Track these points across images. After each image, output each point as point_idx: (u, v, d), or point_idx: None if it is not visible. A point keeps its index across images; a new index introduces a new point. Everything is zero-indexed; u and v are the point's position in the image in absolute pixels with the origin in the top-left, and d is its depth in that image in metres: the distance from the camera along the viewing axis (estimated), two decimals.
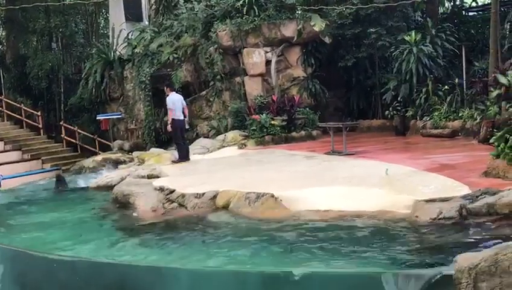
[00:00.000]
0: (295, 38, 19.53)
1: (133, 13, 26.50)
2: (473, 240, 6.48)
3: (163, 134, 20.97)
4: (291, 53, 20.12)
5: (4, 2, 29.46)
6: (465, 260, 5.12)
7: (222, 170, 12.72)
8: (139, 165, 15.58)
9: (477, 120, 14.64)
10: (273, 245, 7.07)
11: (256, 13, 19.43)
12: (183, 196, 9.83)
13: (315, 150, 15.04)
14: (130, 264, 6.97)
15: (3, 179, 19.41)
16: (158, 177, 12.19)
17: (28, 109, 25.98)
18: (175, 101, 14.54)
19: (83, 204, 11.59)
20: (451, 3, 21.89)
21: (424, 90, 17.16)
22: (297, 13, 19.96)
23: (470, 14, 21.86)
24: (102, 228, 9.32)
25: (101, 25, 35.54)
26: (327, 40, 19.56)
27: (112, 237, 8.57)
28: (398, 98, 17.93)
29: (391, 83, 18.30)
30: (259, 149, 16.58)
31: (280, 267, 6.30)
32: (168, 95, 14.72)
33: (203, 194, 9.65)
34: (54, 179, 15.67)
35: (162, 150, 17.98)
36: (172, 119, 14.41)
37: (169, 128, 14.74)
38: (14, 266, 8.18)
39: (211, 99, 20.43)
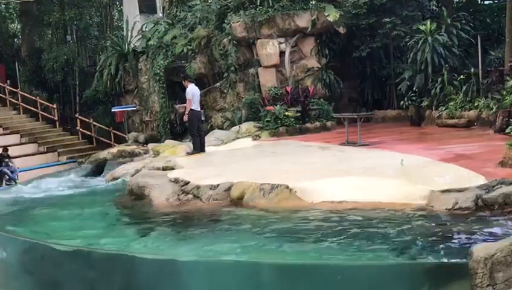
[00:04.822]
0: (309, 29, 19.48)
1: (147, 5, 26.56)
2: (488, 230, 6.45)
3: (178, 126, 21.07)
4: (306, 44, 20.08)
5: None
6: (481, 250, 5.09)
7: (236, 162, 12.74)
8: (154, 157, 15.66)
9: (493, 110, 14.52)
10: (290, 236, 7.07)
11: (270, 4, 19.42)
12: (198, 187, 9.85)
13: (330, 141, 15.01)
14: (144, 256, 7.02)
15: (20, 171, 19.60)
16: (173, 169, 12.22)
17: (43, 102, 26.19)
18: (194, 92, 14.57)
19: (97, 196, 11.66)
20: None
21: (439, 80, 17.04)
22: (311, 3, 19.92)
23: (486, 2, 21.65)
24: (117, 220, 9.38)
25: (115, 18, 35.67)
26: (341, 30, 19.49)
27: (127, 228, 8.63)
28: (413, 88, 17.83)
29: (406, 73, 18.19)
30: (273, 140, 16.58)
31: (297, 259, 6.33)
32: (187, 86, 14.71)
33: (218, 185, 9.65)
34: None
35: (176, 141, 18.06)
36: (191, 109, 14.42)
37: (185, 118, 14.68)
38: (27, 256, 8.28)
39: (225, 90, 20.44)
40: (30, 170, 20.34)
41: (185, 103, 15.13)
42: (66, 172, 16.32)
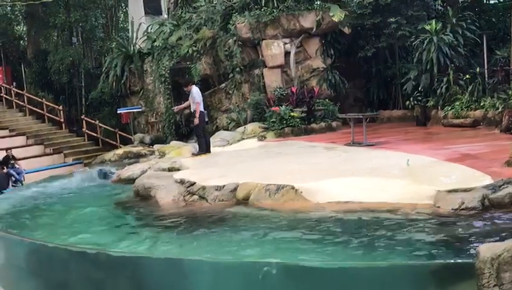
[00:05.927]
0: (314, 29, 19.47)
1: (152, 7, 26.62)
2: (495, 230, 6.43)
3: (184, 127, 21.08)
4: (311, 44, 20.06)
5: None
6: (487, 250, 5.07)
7: (242, 162, 12.73)
8: (159, 158, 15.66)
9: (499, 109, 14.49)
10: (297, 237, 7.06)
11: (275, 4, 19.42)
12: (203, 188, 9.86)
13: (335, 141, 14.99)
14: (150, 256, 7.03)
15: (26, 173, 19.67)
16: (179, 170, 12.23)
17: (49, 104, 26.27)
18: (200, 94, 14.61)
19: (104, 197, 11.67)
20: None
21: (445, 79, 17.00)
22: (316, 4, 19.91)
23: (491, 2, 21.60)
24: (122, 220, 9.39)
25: (121, 19, 35.75)
26: (346, 30, 19.48)
27: (132, 229, 8.65)
28: (419, 88, 17.80)
29: (411, 72, 18.17)
30: (279, 141, 16.57)
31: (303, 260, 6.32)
32: (190, 90, 14.67)
33: (224, 186, 9.66)
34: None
35: (182, 142, 18.08)
36: (200, 111, 14.46)
37: (196, 121, 14.60)
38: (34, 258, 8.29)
39: (230, 91, 20.45)
40: (36, 171, 20.40)
41: (181, 104, 15.32)
42: (73, 173, 16.34)
